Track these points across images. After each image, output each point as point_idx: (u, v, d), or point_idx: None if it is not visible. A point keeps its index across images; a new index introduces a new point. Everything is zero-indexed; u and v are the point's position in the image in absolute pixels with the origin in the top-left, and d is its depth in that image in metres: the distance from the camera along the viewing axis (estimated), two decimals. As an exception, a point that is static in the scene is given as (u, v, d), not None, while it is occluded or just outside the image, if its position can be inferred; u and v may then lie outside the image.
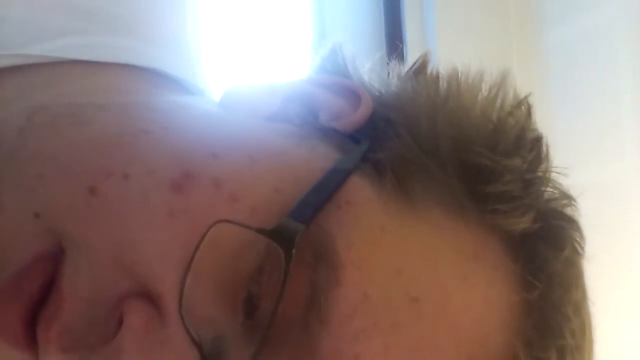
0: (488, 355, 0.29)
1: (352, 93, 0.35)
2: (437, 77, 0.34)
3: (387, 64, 0.37)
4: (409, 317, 0.28)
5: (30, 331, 0.28)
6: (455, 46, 1.61)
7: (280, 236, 0.27)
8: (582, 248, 0.33)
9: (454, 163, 0.31)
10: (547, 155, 0.33)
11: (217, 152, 0.30)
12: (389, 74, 0.36)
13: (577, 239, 0.32)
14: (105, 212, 0.28)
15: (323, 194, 0.29)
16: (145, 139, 0.30)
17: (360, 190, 0.30)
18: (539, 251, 0.31)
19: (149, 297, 0.27)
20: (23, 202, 0.29)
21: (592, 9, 1.67)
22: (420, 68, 0.35)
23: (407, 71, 0.35)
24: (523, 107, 0.33)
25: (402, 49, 1.83)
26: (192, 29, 0.42)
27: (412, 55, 0.43)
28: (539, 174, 0.32)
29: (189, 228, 0.27)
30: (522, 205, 0.30)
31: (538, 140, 0.33)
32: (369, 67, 0.37)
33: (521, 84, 0.34)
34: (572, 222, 0.32)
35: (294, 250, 0.26)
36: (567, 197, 0.33)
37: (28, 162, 0.30)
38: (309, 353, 0.27)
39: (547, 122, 0.34)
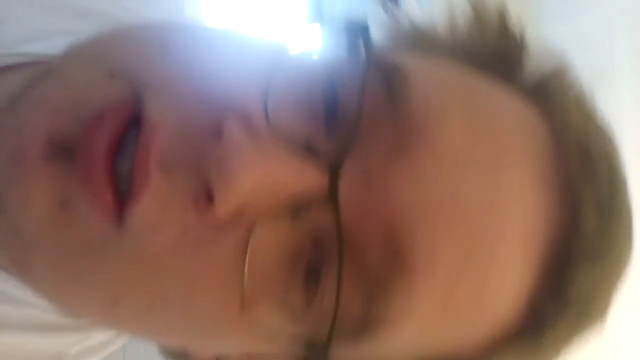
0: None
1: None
2: None
3: None
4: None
5: (115, 180, 0.27)
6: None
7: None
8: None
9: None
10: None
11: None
12: None
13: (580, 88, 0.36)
14: (180, 60, 0.30)
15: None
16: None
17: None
18: (553, 93, 0.35)
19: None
20: (95, 65, 0.29)
21: (591, 8, 1.66)
22: None
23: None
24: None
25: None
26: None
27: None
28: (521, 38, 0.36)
29: (262, 53, 0.30)
30: (526, 56, 0.35)
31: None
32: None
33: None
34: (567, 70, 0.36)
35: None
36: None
37: (91, 43, 0.31)
38: (399, 129, 0.29)
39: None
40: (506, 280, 0.31)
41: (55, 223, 0.27)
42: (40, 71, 0.30)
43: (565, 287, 0.32)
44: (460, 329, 0.32)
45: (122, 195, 0.27)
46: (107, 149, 0.27)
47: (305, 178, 0.28)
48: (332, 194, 0.28)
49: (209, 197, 0.27)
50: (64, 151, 0.27)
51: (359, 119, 0.29)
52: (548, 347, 0.33)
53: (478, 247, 0.30)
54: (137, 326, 0.32)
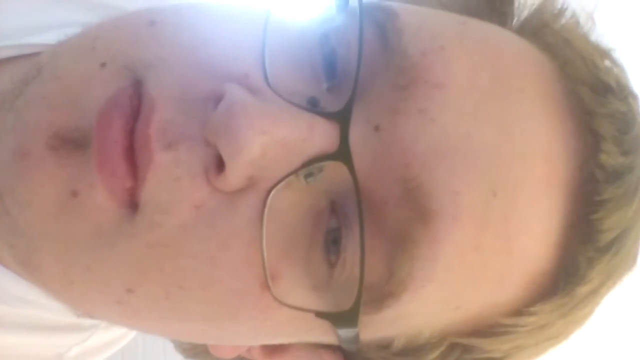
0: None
1: None
2: None
3: None
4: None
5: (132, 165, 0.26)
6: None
7: None
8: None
9: None
10: None
11: None
12: None
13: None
14: (169, 32, 0.29)
15: None
16: None
17: None
18: (551, 28, 0.33)
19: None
20: (86, 58, 0.29)
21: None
22: None
23: None
24: None
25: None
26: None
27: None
28: None
29: (250, 19, 0.30)
30: None
31: None
32: None
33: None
34: None
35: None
36: None
37: (79, 37, 0.30)
38: (395, 74, 0.28)
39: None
40: (533, 222, 0.29)
41: (64, 213, 0.27)
42: (30, 68, 0.29)
43: (595, 232, 0.30)
44: (490, 284, 0.30)
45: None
46: (121, 137, 0.26)
47: (315, 133, 0.27)
48: (344, 148, 0.27)
49: (218, 165, 0.26)
50: (71, 143, 0.27)
51: (359, 70, 0.27)
52: (585, 296, 0.31)
53: (500, 185, 0.28)
54: (153, 320, 0.30)
